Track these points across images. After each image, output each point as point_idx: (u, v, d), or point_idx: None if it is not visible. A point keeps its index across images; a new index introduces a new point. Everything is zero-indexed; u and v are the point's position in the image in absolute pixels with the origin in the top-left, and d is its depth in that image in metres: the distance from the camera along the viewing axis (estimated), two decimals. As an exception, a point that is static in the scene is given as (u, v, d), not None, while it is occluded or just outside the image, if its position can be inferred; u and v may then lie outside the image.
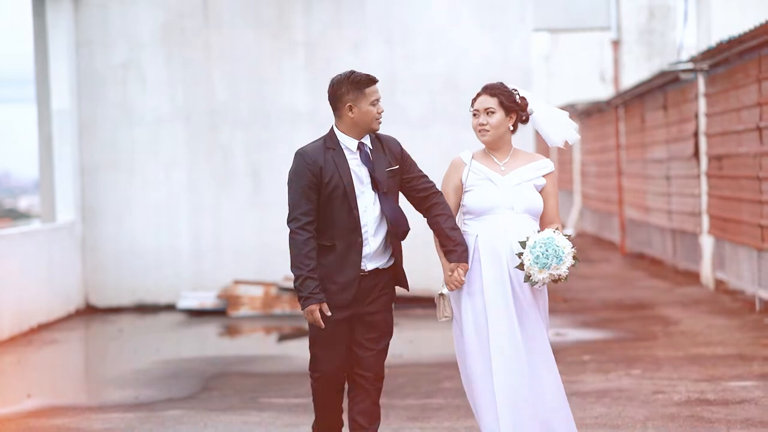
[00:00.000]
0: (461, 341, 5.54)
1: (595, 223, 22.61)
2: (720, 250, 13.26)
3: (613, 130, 19.74)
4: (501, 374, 5.37)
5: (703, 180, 13.69)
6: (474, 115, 5.58)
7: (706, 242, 13.68)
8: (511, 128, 5.59)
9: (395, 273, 5.56)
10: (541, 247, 5.25)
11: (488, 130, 5.54)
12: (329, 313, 5.38)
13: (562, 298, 13.12)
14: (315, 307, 5.35)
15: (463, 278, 5.44)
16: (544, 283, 5.31)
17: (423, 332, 11.18)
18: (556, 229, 5.40)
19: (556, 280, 5.28)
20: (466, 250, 5.46)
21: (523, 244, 5.30)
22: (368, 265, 5.46)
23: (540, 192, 5.57)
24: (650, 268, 16.39)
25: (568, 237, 5.36)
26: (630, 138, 18.52)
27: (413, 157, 5.63)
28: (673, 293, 13.42)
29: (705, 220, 13.69)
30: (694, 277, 14.47)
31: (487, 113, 5.53)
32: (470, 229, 5.54)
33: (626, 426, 6.94)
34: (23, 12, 14.08)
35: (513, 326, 5.39)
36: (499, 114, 5.53)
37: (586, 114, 22.69)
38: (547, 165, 5.61)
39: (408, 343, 10.56)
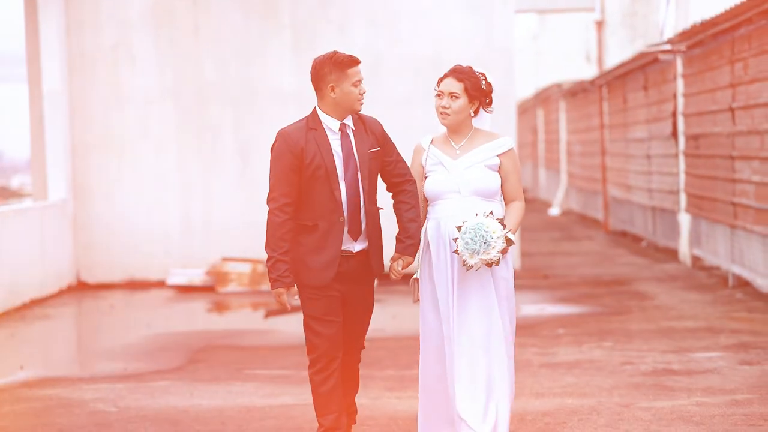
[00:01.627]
0: (422, 323, 5.65)
1: (580, 202, 22.87)
2: (697, 227, 13.54)
3: (597, 110, 19.97)
4: (450, 356, 5.51)
5: (681, 159, 13.96)
6: (438, 95, 5.52)
7: (684, 220, 13.97)
8: (473, 114, 5.56)
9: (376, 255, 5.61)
10: (470, 233, 5.27)
11: (449, 114, 5.49)
12: (296, 297, 5.48)
13: (542, 275, 13.41)
14: (282, 291, 5.44)
15: (399, 270, 5.51)
16: (478, 267, 5.32)
17: (406, 308, 11.43)
18: (490, 213, 5.36)
19: (489, 264, 5.31)
20: (413, 245, 5.52)
21: (459, 229, 5.33)
22: (356, 247, 5.51)
23: (498, 171, 5.52)
24: (632, 245, 16.68)
25: (500, 221, 5.35)
26: (613, 118, 18.76)
27: (399, 138, 5.66)
28: (651, 270, 13.71)
29: (683, 198, 13.98)
30: (672, 254, 14.77)
31: (451, 97, 5.48)
32: (429, 214, 5.58)
33: (593, 394, 7.23)
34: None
35: (450, 311, 5.45)
36: (463, 100, 5.48)
37: (571, 94, 22.90)
38: (504, 144, 5.54)
39: (391, 318, 10.79)
